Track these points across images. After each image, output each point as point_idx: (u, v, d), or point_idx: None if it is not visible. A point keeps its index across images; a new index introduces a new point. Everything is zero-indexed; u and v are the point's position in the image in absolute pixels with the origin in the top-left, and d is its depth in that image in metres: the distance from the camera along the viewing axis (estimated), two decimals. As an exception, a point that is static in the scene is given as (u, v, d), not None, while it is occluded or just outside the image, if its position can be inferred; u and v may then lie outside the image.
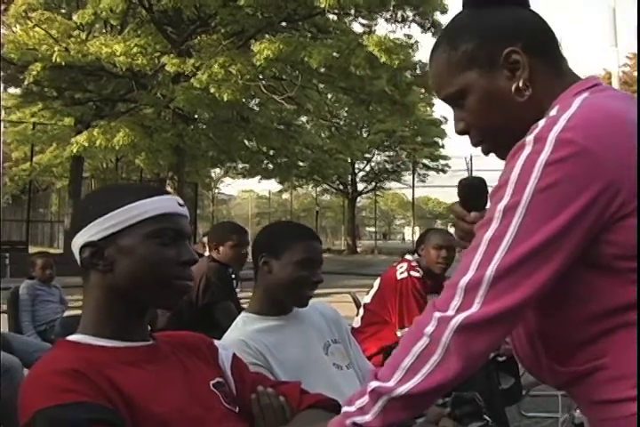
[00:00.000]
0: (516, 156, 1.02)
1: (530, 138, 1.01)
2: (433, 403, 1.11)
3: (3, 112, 19.68)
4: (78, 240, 1.25)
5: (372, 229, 41.78)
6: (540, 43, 1.16)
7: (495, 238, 1.00)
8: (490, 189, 1.11)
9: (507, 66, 1.13)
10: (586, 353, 1.05)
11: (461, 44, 1.15)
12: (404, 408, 1.05)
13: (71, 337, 1.25)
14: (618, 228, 1.00)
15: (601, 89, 1.12)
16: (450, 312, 1.00)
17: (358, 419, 1.06)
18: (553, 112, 1.06)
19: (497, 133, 1.16)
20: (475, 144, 1.22)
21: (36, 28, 15.30)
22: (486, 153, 1.22)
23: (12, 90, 18.95)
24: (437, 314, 1.02)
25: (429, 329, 1.02)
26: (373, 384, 1.06)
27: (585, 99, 1.07)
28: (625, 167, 0.98)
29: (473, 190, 1.22)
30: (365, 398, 1.06)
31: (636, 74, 30.98)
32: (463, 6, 1.23)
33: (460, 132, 1.20)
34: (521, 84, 1.12)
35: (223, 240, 3.87)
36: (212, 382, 1.31)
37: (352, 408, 1.08)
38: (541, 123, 1.03)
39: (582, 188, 0.97)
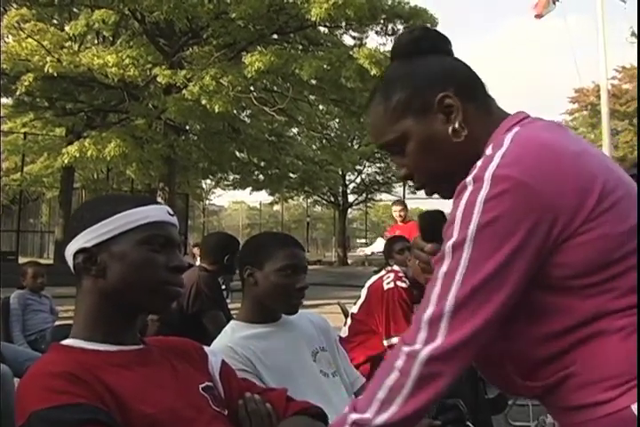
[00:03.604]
0: (459, 196, 1.08)
1: (469, 179, 1.08)
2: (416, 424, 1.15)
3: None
4: (72, 246, 1.30)
5: (363, 240, 41.70)
6: (470, 86, 1.22)
7: (449, 273, 1.06)
8: None
9: (441, 110, 1.19)
10: (555, 366, 1.10)
11: (395, 93, 1.21)
12: None
13: (64, 341, 1.29)
14: (564, 249, 1.06)
15: (529, 121, 1.19)
16: (417, 346, 1.06)
17: None
18: (488, 151, 1.11)
19: (440, 176, 1.22)
20: (418, 188, 1.28)
21: (29, 39, 15.29)
22: (430, 194, 1.28)
23: (3, 100, 18.92)
24: (406, 349, 1.07)
25: (399, 363, 1.07)
26: (354, 417, 1.09)
27: (516, 133, 1.13)
28: (560, 193, 1.05)
29: (432, 223, 1.28)
30: None
31: (625, 86, 31.22)
32: (392, 59, 1.29)
33: (404, 178, 1.26)
34: (457, 126, 1.18)
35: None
36: (201, 386, 1.35)
37: None
38: (479, 163, 1.09)
39: (521, 219, 1.03)
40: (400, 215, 7.63)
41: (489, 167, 1.06)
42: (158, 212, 1.33)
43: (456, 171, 1.16)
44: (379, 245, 7.20)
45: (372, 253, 7.99)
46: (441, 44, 1.28)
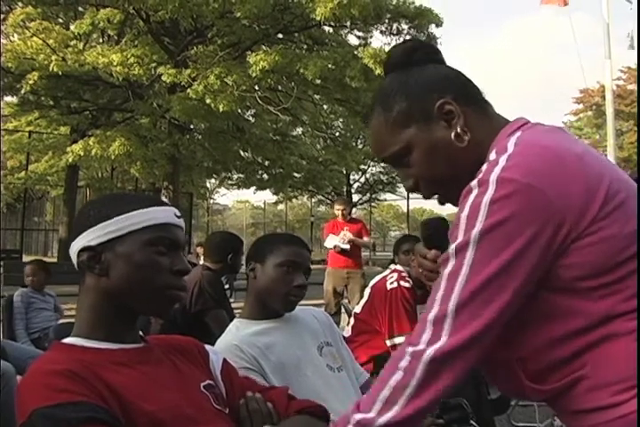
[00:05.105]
0: (465, 199, 1.09)
1: (474, 182, 1.08)
2: (419, 425, 1.15)
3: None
4: (77, 244, 1.30)
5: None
6: (467, 92, 1.23)
7: (453, 274, 1.07)
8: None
9: (442, 117, 1.20)
10: (566, 368, 1.09)
11: (394, 104, 1.22)
12: None
13: (65, 340, 1.29)
14: (573, 250, 1.06)
15: (530, 126, 1.20)
16: (421, 346, 1.07)
17: None
18: (492, 156, 1.12)
19: (446, 182, 1.22)
20: (427, 196, 1.27)
21: (34, 38, 15.34)
22: (442, 203, 1.28)
23: (8, 98, 18.94)
24: (410, 349, 1.08)
25: (403, 364, 1.08)
26: (357, 417, 1.10)
27: (519, 137, 1.14)
28: (566, 195, 1.05)
29: (434, 230, 1.30)
30: None
31: (630, 87, 31.14)
32: (386, 73, 1.30)
33: (410, 189, 1.26)
34: (459, 131, 1.18)
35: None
36: (202, 384, 1.34)
37: None
38: (484, 168, 1.10)
39: (526, 221, 1.04)
40: (342, 214, 7.70)
41: (494, 171, 1.07)
42: (165, 213, 1.33)
43: (463, 176, 1.16)
44: (329, 241, 7.24)
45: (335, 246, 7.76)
46: (433, 54, 1.29)
